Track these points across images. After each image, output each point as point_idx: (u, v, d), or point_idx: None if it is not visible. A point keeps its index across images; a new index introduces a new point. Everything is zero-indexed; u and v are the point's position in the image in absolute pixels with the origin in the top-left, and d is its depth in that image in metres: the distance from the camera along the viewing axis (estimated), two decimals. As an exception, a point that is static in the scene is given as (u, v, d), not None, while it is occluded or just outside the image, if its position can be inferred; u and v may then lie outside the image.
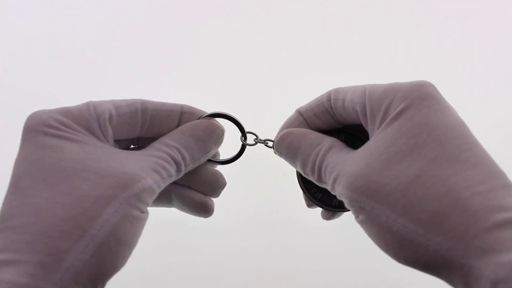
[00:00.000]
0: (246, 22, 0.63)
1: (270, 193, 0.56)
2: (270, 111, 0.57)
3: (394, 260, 0.24)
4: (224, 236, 0.55)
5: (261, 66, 0.61)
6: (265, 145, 0.33)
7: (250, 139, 0.34)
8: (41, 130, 0.25)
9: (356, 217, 0.26)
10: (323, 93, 0.31)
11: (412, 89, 0.26)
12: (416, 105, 0.25)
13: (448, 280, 0.23)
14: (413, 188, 0.23)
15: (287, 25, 0.63)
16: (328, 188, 0.28)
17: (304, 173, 0.30)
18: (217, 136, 0.31)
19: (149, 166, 0.26)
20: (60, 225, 0.22)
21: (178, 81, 0.61)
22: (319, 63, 0.61)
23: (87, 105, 0.28)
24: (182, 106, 0.31)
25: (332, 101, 0.30)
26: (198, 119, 0.31)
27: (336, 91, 0.30)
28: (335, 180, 0.27)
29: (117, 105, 0.29)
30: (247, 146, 0.33)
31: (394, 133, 0.25)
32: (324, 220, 0.33)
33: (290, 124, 0.32)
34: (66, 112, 0.26)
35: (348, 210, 0.31)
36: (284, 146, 0.31)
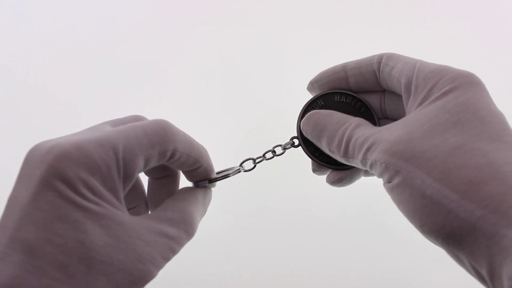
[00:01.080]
0: (247, 22, 0.63)
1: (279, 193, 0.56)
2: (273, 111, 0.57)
3: (417, 227, 0.25)
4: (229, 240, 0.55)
5: (262, 66, 0.61)
6: (264, 159, 0.35)
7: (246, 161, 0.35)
8: (63, 192, 0.21)
9: (388, 182, 0.26)
10: (374, 53, 0.32)
11: (461, 74, 0.27)
12: (462, 88, 0.26)
13: (470, 252, 0.22)
14: (453, 156, 0.23)
15: (287, 23, 0.63)
16: (356, 162, 0.29)
17: (330, 150, 0.31)
18: None
19: (161, 256, 0.25)
20: None
21: (178, 79, 0.61)
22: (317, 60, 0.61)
23: (117, 157, 0.23)
24: (207, 164, 0.30)
25: (382, 64, 0.31)
26: (209, 181, 0.31)
27: (389, 56, 0.31)
28: (368, 149, 0.27)
29: (148, 156, 0.25)
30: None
31: (437, 109, 0.26)
32: (331, 186, 0.33)
33: (329, 74, 0.33)
34: (94, 169, 0.22)
35: (346, 168, 0.33)
36: (311, 124, 0.32)
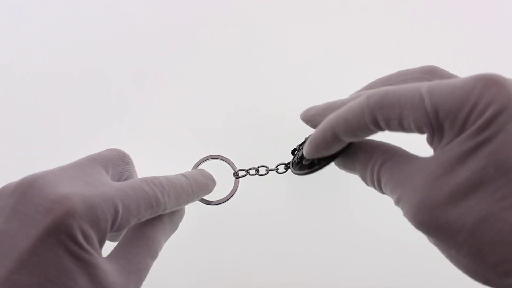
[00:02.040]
0: (247, 22, 0.63)
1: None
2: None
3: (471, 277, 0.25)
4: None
5: (261, 66, 0.61)
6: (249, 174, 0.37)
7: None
8: (63, 242, 0.23)
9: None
10: (353, 107, 0.26)
11: (487, 104, 0.22)
12: (487, 129, 0.22)
13: None
14: (480, 230, 0.22)
15: (287, 23, 0.63)
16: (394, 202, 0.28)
17: (367, 185, 0.30)
18: None
19: None
20: None
21: (178, 80, 0.61)
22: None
23: (116, 215, 0.25)
24: (193, 200, 0.32)
25: (383, 122, 0.26)
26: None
27: (381, 106, 0.25)
28: (398, 202, 0.26)
29: (142, 218, 0.27)
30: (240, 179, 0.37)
31: (457, 162, 0.23)
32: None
33: (323, 146, 0.29)
34: (93, 222, 0.24)
35: (316, 170, 0.32)
36: (340, 162, 0.31)
